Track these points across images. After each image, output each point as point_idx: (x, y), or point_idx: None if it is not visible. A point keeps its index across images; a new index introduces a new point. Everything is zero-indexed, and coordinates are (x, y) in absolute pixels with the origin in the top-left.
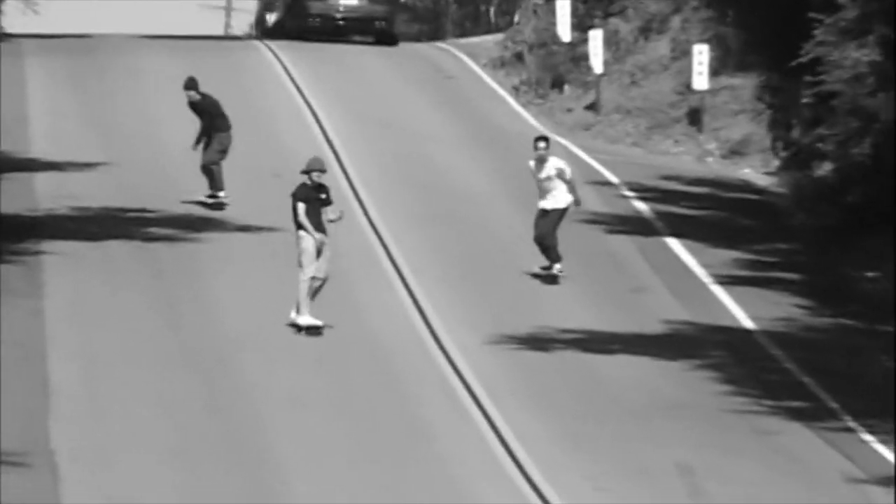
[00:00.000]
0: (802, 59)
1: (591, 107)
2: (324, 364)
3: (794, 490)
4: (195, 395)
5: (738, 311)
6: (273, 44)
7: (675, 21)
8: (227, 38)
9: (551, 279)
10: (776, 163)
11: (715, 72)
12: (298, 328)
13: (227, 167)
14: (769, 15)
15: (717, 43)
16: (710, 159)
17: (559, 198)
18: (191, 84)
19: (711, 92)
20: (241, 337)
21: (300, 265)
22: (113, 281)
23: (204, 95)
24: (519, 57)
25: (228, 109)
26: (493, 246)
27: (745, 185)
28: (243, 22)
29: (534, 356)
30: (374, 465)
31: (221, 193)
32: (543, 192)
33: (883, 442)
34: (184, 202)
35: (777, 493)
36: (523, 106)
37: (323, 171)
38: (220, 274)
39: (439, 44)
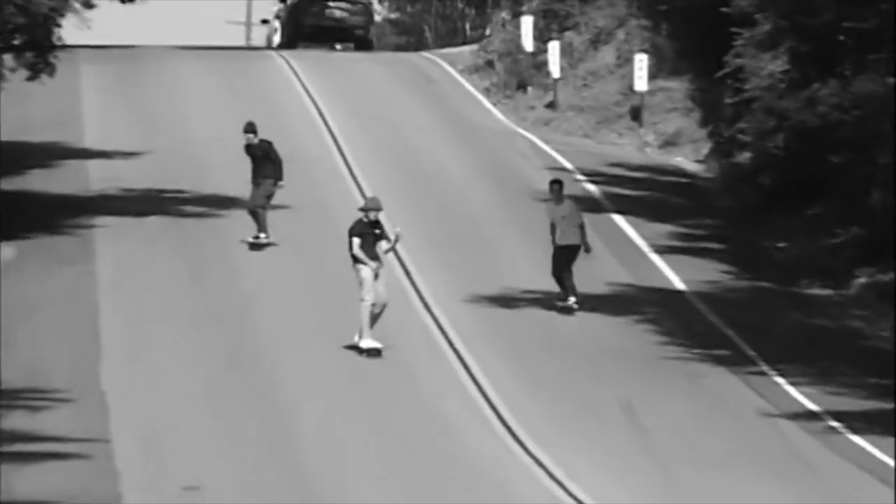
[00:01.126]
0: (726, 69)
1: (550, 105)
2: (326, 315)
3: (717, 423)
4: (218, 344)
5: (671, 275)
6: (285, 53)
7: (620, 34)
8: (247, 48)
9: (567, 311)
10: (704, 152)
11: (652, 76)
12: (360, 351)
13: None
14: (697, 29)
15: (654, 52)
16: (648, 149)
17: (573, 236)
18: (250, 128)
19: (650, 93)
20: (255, 296)
21: (361, 294)
22: (151, 250)
23: (261, 141)
24: (490, 64)
25: (247, 107)
26: (468, 219)
27: (677, 170)
28: (262, 35)
29: (502, 312)
30: (367, 397)
31: (263, 236)
32: (559, 231)
33: (791, 384)
34: (241, 242)
35: (703, 425)
36: (493, 104)
37: (379, 209)
38: (240, 244)
39: (424, 53)
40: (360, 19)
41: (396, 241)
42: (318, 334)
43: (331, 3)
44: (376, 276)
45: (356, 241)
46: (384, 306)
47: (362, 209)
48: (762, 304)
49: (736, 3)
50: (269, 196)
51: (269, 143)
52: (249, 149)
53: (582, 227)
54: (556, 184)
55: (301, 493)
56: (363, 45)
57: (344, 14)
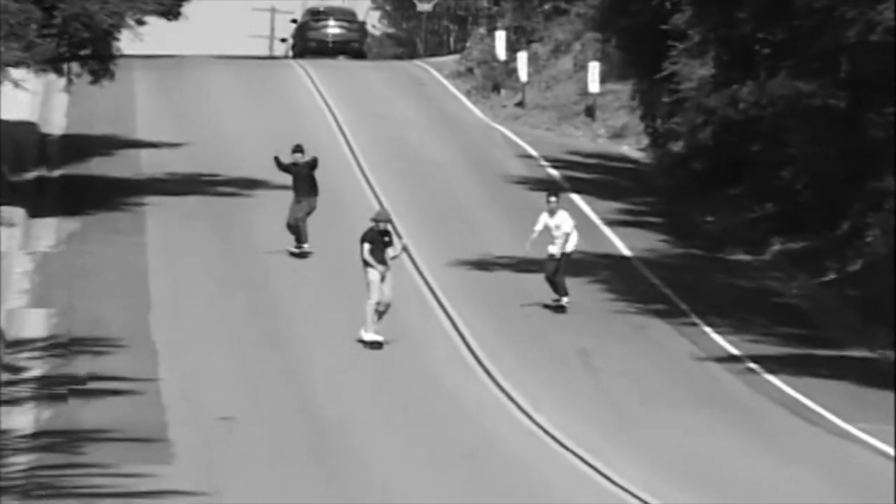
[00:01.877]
0: (663, 73)
1: (519, 104)
2: (334, 281)
3: (658, 365)
4: (243, 302)
5: (619, 243)
6: (302, 62)
7: (577, 45)
8: (270, 58)
9: (560, 309)
10: (645, 142)
11: (603, 80)
12: (364, 343)
13: (269, 137)
14: (640, 41)
15: (604, 60)
16: (599, 140)
17: (565, 244)
18: (298, 149)
19: (601, 94)
20: (275, 263)
21: (368, 293)
22: (190, 224)
23: (307, 161)
24: (470, 70)
25: (271, 107)
26: (451, 198)
27: (624, 157)
28: (283, 47)
29: (480, 274)
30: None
31: (306, 245)
32: (553, 238)
33: (718, 333)
34: (266, 252)
35: (646, 367)
36: (473, 103)
37: (388, 220)
38: (263, 220)
39: (416, 61)
40: (356, 35)
41: (403, 250)
42: (328, 297)
43: (331, 23)
44: (383, 278)
45: (367, 247)
46: (388, 306)
47: (373, 219)
48: (693, 268)
49: (671, 21)
50: (309, 212)
51: (315, 160)
52: (295, 167)
53: (567, 235)
54: (554, 196)
55: (312, 422)
56: (358, 55)
57: (342, 31)
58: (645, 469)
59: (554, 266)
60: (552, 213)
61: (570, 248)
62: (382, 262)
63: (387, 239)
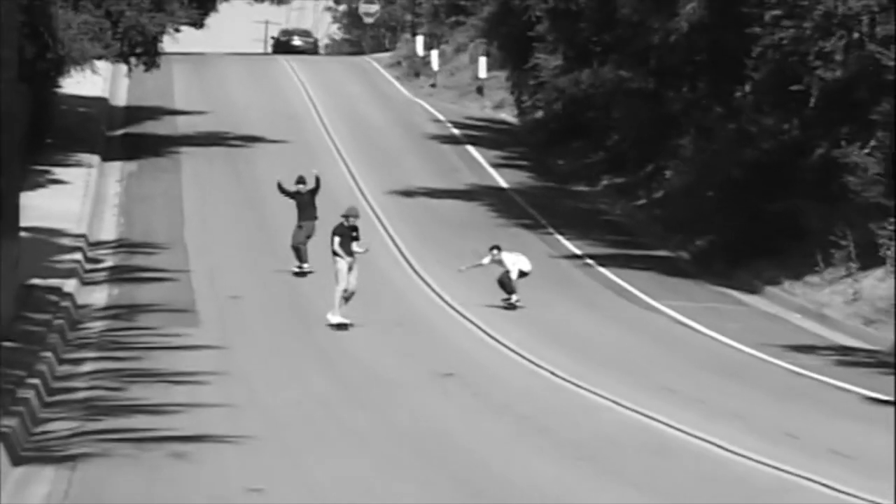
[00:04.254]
0: (529, 64)
1: (433, 86)
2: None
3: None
4: (251, 218)
5: (500, 179)
6: (286, 58)
7: (471, 46)
8: (264, 54)
9: (511, 307)
10: (517, 111)
11: (489, 69)
12: (332, 325)
13: (266, 107)
14: (514, 44)
15: (490, 56)
16: (486, 109)
17: (515, 269)
18: (301, 180)
19: (487, 79)
20: (271, 192)
21: (336, 281)
22: (212, 166)
23: (309, 190)
24: (399, 63)
25: (266, 86)
26: (386, 148)
27: (503, 121)
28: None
29: (406, 199)
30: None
31: (306, 265)
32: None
33: (566, 239)
34: (281, 271)
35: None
36: (401, 85)
37: (356, 216)
38: (263, 162)
39: (363, 57)
40: (311, 45)
41: (365, 251)
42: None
43: (295, 38)
44: (350, 268)
45: (337, 239)
46: (353, 294)
47: (344, 215)
48: (549, 195)
49: (535, 29)
50: (309, 236)
51: (317, 184)
52: (299, 195)
53: (508, 272)
54: (495, 249)
55: (294, 296)
56: (312, 54)
57: (301, 42)
58: (521, 331)
59: (506, 277)
60: (498, 262)
61: (514, 276)
62: (350, 253)
63: (354, 234)
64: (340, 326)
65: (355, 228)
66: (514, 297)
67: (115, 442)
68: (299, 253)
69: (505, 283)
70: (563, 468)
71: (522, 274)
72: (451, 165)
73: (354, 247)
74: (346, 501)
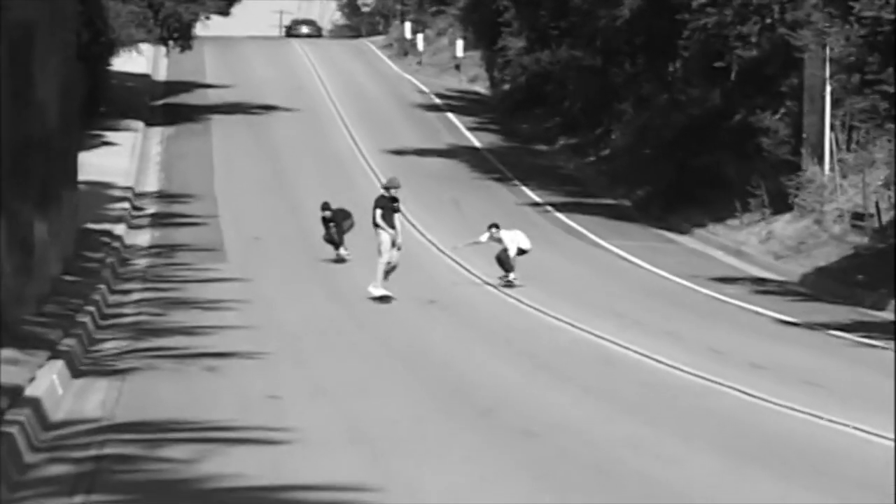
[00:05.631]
0: (498, 46)
1: (419, 63)
2: (321, 160)
3: (497, 207)
4: (268, 169)
5: (474, 139)
6: (297, 41)
7: (450, 30)
8: (279, 38)
9: (509, 285)
10: (489, 84)
11: (466, 50)
12: (374, 298)
13: (281, 82)
14: (486, 28)
15: (466, 39)
16: (464, 83)
17: (513, 246)
18: (325, 206)
19: (464, 58)
20: (288, 147)
21: (379, 253)
22: (237, 129)
23: (333, 211)
24: (391, 45)
25: (281, 63)
26: (380, 114)
27: (478, 93)
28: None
29: (397, 157)
30: (334, 186)
31: (342, 250)
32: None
33: (530, 189)
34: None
35: (490, 208)
36: (393, 63)
37: (398, 187)
38: (280, 126)
39: (361, 40)
40: (315, 31)
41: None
42: (319, 162)
43: (302, 28)
44: (394, 242)
45: (378, 212)
46: (394, 267)
47: (385, 186)
48: (516, 154)
49: (503, 16)
50: (345, 231)
51: (339, 211)
52: (333, 220)
53: (507, 249)
54: (494, 227)
55: (305, 240)
56: (317, 36)
57: (308, 30)
58: (493, 266)
59: (505, 255)
60: (497, 240)
61: (512, 253)
62: (392, 226)
63: (395, 205)
64: (384, 299)
65: (396, 199)
66: (511, 276)
67: (157, 358)
68: (333, 242)
69: (503, 261)
70: (524, 374)
71: (522, 251)
72: (434, 129)
73: (396, 219)
74: (347, 398)
